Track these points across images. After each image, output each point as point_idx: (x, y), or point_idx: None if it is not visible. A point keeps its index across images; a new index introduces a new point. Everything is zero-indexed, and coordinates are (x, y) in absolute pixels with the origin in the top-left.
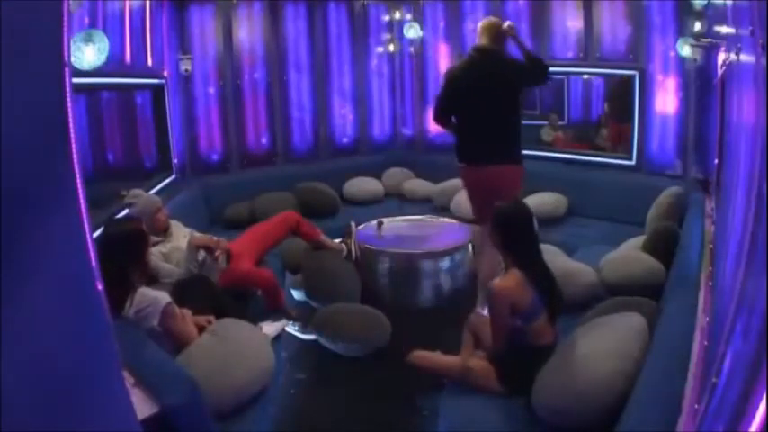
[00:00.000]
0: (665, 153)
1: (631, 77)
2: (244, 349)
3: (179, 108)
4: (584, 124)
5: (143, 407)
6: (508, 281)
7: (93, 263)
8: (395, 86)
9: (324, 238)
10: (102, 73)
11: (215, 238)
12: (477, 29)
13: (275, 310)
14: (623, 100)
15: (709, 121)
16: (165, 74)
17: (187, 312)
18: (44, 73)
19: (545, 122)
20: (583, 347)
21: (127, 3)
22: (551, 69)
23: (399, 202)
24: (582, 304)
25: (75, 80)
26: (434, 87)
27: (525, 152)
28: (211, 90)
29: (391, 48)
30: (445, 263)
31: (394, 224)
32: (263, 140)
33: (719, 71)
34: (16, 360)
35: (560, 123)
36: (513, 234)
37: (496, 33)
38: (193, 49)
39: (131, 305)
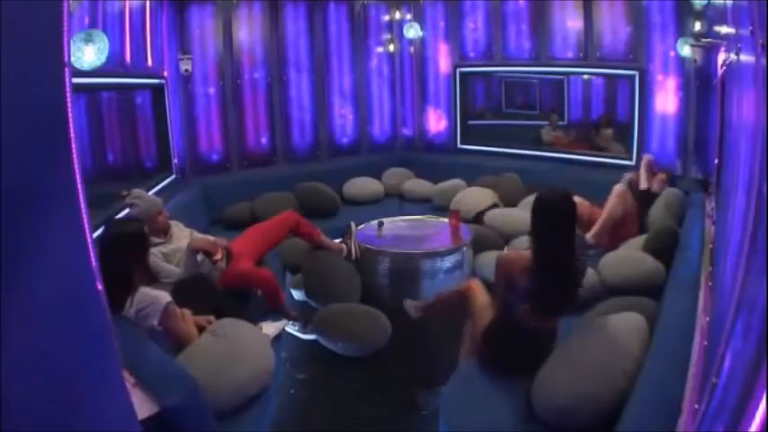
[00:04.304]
0: (665, 153)
1: (631, 78)
2: (244, 349)
3: (179, 108)
4: (584, 124)
5: (143, 407)
6: (512, 254)
7: (93, 263)
8: (395, 86)
9: (324, 238)
10: (102, 73)
11: (213, 239)
12: None
13: (275, 310)
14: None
15: (709, 121)
16: (165, 74)
17: (187, 312)
18: (44, 73)
19: (545, 122)
20: (583, 347)
21: (127, 3)
22: (551, 69)
23: (399, 202)
24: (582, 304)
25: (75, 80)
26: (435, 87)
27: (525, 152)
28: (211, 90)
29: (391, 48)
30: (445, 263)
31: (394, 224)
32: (263, 140)
33: (719, 71)
34: (17, 360)
35: (560, 123)
36: (539, 221)
37: None
38: (193, 49)
39: (132, 305)
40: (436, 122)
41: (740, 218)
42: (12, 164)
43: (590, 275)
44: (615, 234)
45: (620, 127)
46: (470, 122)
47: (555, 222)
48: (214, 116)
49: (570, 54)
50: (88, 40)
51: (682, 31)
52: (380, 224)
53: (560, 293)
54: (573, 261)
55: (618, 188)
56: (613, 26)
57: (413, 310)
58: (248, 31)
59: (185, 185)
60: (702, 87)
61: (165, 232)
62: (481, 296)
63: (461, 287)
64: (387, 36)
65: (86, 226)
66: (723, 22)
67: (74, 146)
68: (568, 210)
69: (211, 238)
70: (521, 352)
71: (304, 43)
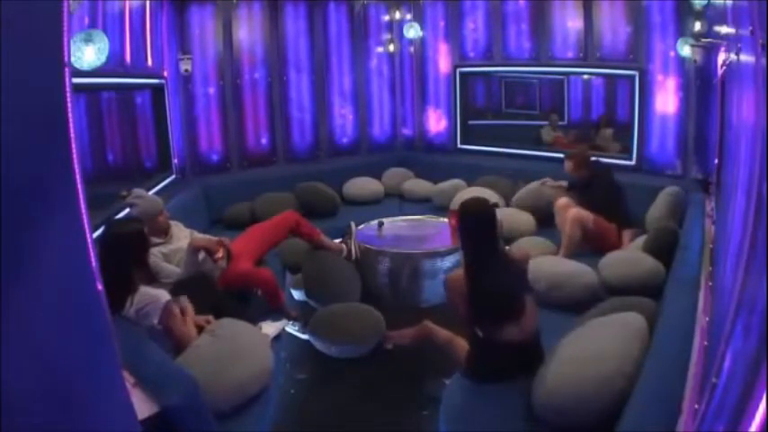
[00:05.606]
0: (665, 153)
1: (631, 78)
2: (244, 349)
3: (179, 108)
4: (584, 124)
5: (143, 407)
6: (455, 273)
7: (93, 263)
8: (395, 86)
9: (324, 238)
10: (102, 73)
11: (214, 239)
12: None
13: (275, 310)
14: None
15: (709, 121)
16: (165, 74)
17: (189, 308)
18: (44, 73)
19: (545, 122)
20: (583, 347)
21: (127, 3)
22: (551, 69)
23: (399, 202)
24: (582, 304)
25: (75, 80)
26: (434, 87)
27: (525, 152)
28: (211, 90)
29: (391, 48)
30: (445, 263)
31: (394, 224)
32: (263, 140)
33: (719, 71)
34: (17, 360)
35: (560, 123)
36: (466, 229)
37: None
38: (193, 49)
39: (132, 305)
40: (436, 122)
41: (740, 218)
42: (12, 164)
43: (589, 275)
44: (600, 241)
45: (620, 127)
46: (470, 122)
47: (479, 226)
48: (214, 116)
49: (570, 54)
50: (88, 40)
51: (682, 31)
52: (380, 224)
53: (499, 295)
54: (502, 262)
55: (572, 213)
56: (613, 26)
57: (386, 340)
58: (248, 31)
59: (185, 185)
60: (702, 87)
61: (165, 232)
62: (441, 331)
63: (416, 334)
64: (387, 36)
65: (86, 226)
66: (723, 22)
67: (74, 146)
68: (490, 215)
69: (212, 238)
70: (506, 368)
71: (304, 43)
